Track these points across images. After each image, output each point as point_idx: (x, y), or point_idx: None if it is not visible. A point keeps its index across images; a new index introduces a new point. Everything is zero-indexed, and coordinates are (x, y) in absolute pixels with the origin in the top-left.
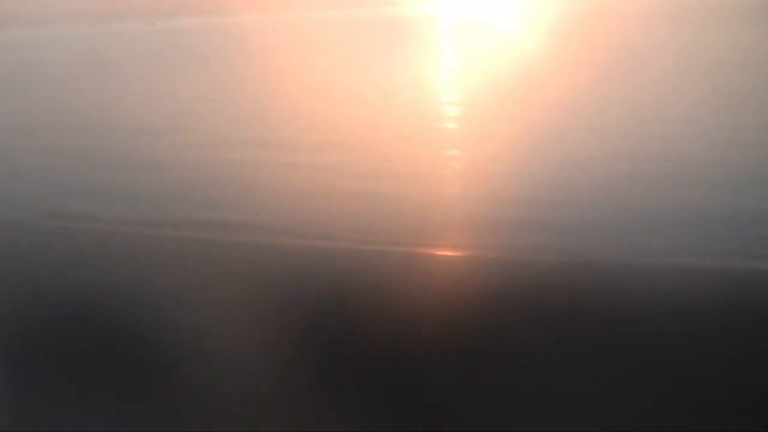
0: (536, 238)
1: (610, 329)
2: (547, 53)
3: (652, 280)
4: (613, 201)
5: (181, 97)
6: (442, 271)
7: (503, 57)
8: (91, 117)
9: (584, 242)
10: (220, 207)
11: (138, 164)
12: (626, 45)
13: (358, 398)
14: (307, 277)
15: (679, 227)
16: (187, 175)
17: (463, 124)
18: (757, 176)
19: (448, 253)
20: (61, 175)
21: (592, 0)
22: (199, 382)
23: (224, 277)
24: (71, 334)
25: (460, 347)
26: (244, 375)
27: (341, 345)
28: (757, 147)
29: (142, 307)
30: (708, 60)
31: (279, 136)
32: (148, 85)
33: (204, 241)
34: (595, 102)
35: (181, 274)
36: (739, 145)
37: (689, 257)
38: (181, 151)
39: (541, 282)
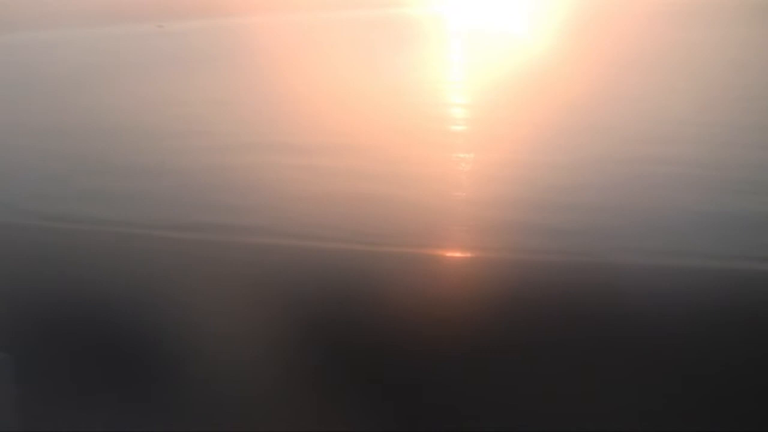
0: (543, 239)
1: (617, 329)
2: (555, 55)
3: (658, 282)
4: (620, 203)
5: (190, 100)
6: (450, 272)
7: (511, 58)
8: (98, 120)
9: (590, 244)
10: (229, 210)
11: (146, 168)
12: (636, 46)
13: (368, 398)
14: (315, 278)
15: (688, 229)
16: (196, 179)
17: (471, 126)
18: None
19: (456, 254)
20: (68, 178)
21: (601, 1)
22: (208, 382)
23: (234, 278)
24: (79, 335)
25: (469, 346)
26: (254, 375)
27: (351, 344)
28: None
29: (153, 309)
30: (720, 61)
31: (288, 139)
32: (156, 88)
33: (213, 243)
34: (604, 103)
35: (190, 277)
36: (751, 148)
37: (697, 259)
38: (190, 154)
39: (548, 283)
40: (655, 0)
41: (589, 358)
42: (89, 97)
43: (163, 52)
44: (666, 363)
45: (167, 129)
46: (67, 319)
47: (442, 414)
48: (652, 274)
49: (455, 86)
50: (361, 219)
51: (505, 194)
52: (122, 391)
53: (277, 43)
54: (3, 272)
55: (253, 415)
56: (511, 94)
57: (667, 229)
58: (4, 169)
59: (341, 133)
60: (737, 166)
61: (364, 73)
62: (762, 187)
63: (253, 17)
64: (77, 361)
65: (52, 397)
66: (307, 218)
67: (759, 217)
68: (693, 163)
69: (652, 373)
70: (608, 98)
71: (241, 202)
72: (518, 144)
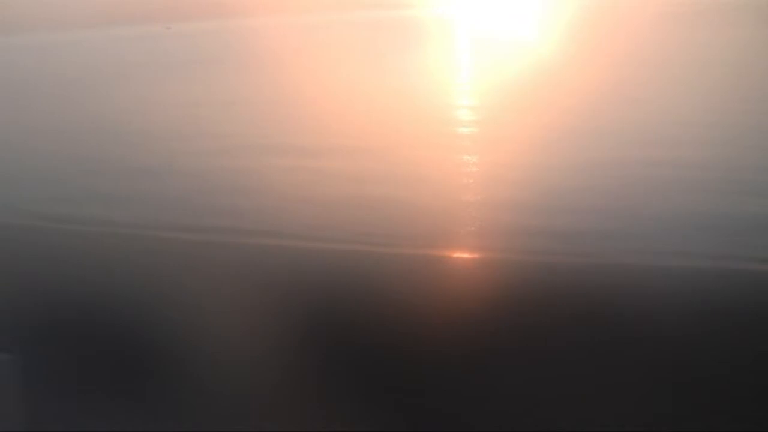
0: (548, 241)
1: (622, 329)
2: (562, 57)
3: (665, 283)
4: (625, 206)
5: (198, 102)
6: (456, 273)
7: (517, 61)
8: (106, 121)
9: (596, 246)
10: (237, 212)
11: (153, 170)
12: (642, 48)
13: (375, 398)
14: (322, 279)
15: (693, 231)
16: (204, 182)
17: (477, 128)
18: None
19: (462, 255)
20: (76, 179)
21: (608, 3)
22: (216, 382)
23: (241, 280)
24: (85, 336)
25: (474, 347)
26: (263, 375)
27: (358, 344)
28: None
29: (159, 310)
30: (726, 62)
31: (296, 141)
32: (164, 90)
33: (220, 245)
34: (609, 106)
35: (197, 278)
36: (755, 149)
37: (702, 260)
38: (197, 157)
39: (554, 284)
40: (661, 2)
41: (595, 358)
42: (97, 99)
43: (172, 53)
44: (671, 362)
45: (175, 131)
46: (72, 321)
47: (448, 415)
48: (658, 275)
49: (461, 88)
50: (368, 221)
51: (511, 197)
52: (126, 391)
53: (285, 44)
54: (11, 273)
55: (261, 415)
56: (517, 97)
57: (672, 231)
58: (12, 170)
59: (348, 135)
60: (741, 167)
61: (371, 75)
62: (766, 188)
63: (262, 18)
64: (82, 361)
65: (57, 398)
66: (314, 220)
67: (764, 219)
68: (697, 166)
69: (656, 373)
70: (614, 100)
71: (248, 205)
72: (524, 146)
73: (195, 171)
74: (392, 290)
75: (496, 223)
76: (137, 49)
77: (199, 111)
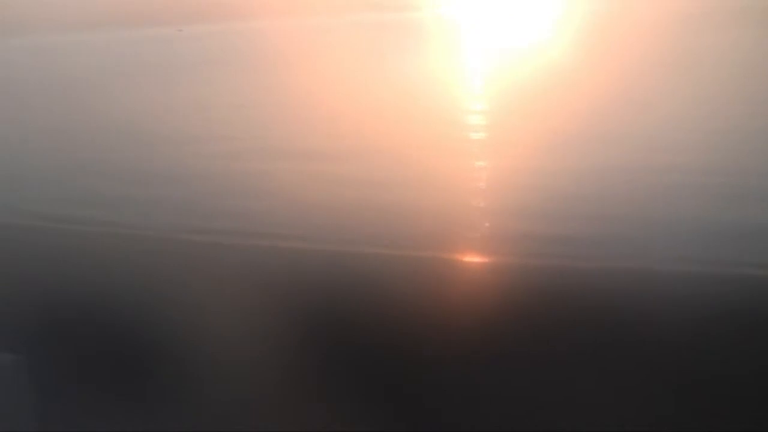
0: (555, 247)
1: (629, 335)
2: (570, 61)
3: (672, 288)
4: (633, 212)
5: (209, 104)
6: (464, 276)
7: (525, 65)
8: (116, 123)
9: (603, 252)
10: (247, 216)
11: (163, 173)
12: (650, 52)
13: (378, 402)
14: (328, 281)
15: (702, 237)
16: (214, 184)
17: (485, 132)
18: None
19: (471, 259)
20: (85, 181)
21: (619, 5)
22: (229, 383)
23: (248, 282)
24: (93, 338)
25: (484, 349)
26: (271, 378)
27: (368, 344)
28: None
29: (165, 312)
30: (742, 67)
31: (305, 144)
32: (175, 92)
33: (231, 247)
34: (618, 110)
35: (203, 280)
36: (762, 153)
37: (709, 266)
38: (207, 159)
39: (559, 288)
40: (670, 6)
41: (601, 362)
42: (107, 100)
43: (182, 55)
44: (679, 367)
45: (184, 133)
46: (80, 322)
47: (456, 420)
48: (666, 280)
49: (470, 92)
50: (377, 224)
51: (518, 202)
52: (132, 393)
53: (295, 46)
54: (23, 274)
55: (270, 418)
56: (525, 101)
57: (680, 237)
58: (21, 172)
59: (357, 138)
60: (747, 173)
61: (380, 77)
62: None
63: (273, 20)
64: (89, 363)
65: (58, 399)
66: (322, 223)
67: None
68: (705, 171)
69: (663, 377)
70: (623, 104)
71: (257, 207)
72: (532, 150)
73: (203, 173)
74: (400, 293)
75: (503, 227)
76: (148, 50)
77: (209, 113)
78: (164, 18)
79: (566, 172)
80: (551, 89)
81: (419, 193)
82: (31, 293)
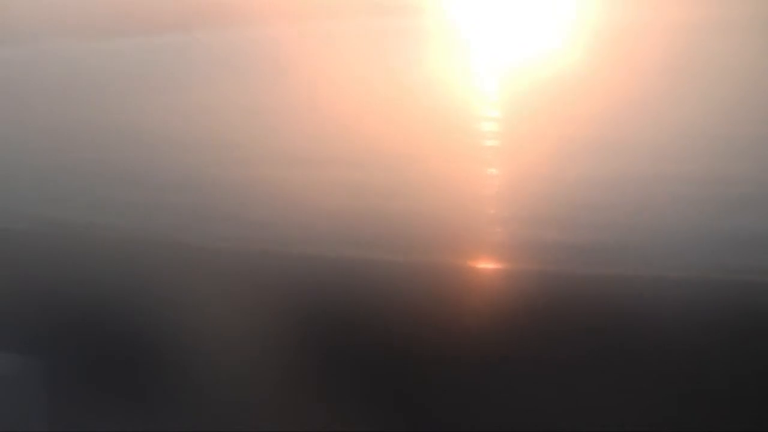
0: (567, 255)
1: (640, 342)
2: (584, 67)
3: (685, 295)
4: (644, 219)
5: (219, 110)
6: (475, 283)
7: (538, 72)
8: (126, 130)
9: (616, 260)
10: (258, 223)
11: (176, 180)
12: (664, 58)
13: (390, 406)
14: (340, 288)
15: (713, 245)
16: (223, 192)
17: (498, 139)
18: None
19: (481, 265)
20: (93, 187)
21: (630, 14)
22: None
23: (258, 288)
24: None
25: (494, 356)
26: (282, 384)
27: (377, 352)
28: None
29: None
30: (755, 75)
31: (317, 152)
32: (186, 99)
33: (239, 253)
34: (632, 117)
35: (215, 286)
36: None
37: (719, 273)
38: (217, 166)
39: (572, 296)
40: (682, 15)
41: (611, 368)
42: (117, 106)
43: (192, 61)
44: (689, 373)
45: (197, 141)
46: (88, 324)
47: (466, 424)
48: (674, 288)
49: (482, 99)
50: (387, 231)
51: (529, 209)
52: (136, 395)
53: (306, 51)
54: (39, 277)
55: (277, 422)
56: (538, 109)
57: (689, 245)
58: (29, 178)
59: (368, 145)
60: (754, 180)
61: (391, 84)
62: None
63: (284, 26)
64: (93, 365)
65: (64, 400)
66: (331, 230)
67: None
68: (714, 180)
69: (671, 382)
70: (633, 112)
71: (267, 215)
72: (543, 158)
73: (212, 181)
74: (411, 298)
75: (514, 234)
76: (157, 57)
77: (219, 119)
78: (175, 23)
79: (577, 181)
80: (563, 97)
81: (431, 200)
82: (37, 295)
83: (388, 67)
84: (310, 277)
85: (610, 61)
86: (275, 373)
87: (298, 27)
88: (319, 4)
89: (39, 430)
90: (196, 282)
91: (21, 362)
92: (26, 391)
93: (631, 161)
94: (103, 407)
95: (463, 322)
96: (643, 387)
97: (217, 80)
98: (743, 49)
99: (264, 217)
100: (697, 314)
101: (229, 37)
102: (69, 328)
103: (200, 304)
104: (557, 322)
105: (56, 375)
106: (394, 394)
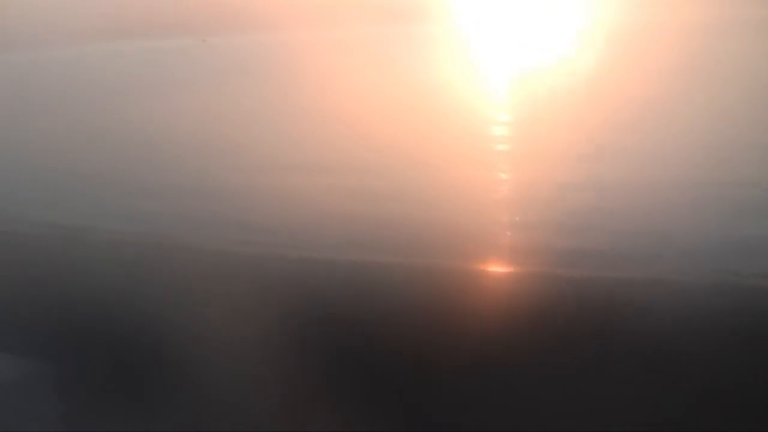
0: (578, 259)
1: (652, 346)
2: (597, 71)
3: (695, 300)
4: (656, 227)
5: (234, 117)
6: (485, 288)
7: (549, 77)
8: (140, 136)
9: (624, 264)
10: (268, 229)
11: (184, 185)
12: (680, 64)
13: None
14: (351, 291)
15: (725, 250)
16: (235, 198)
17: (509, 144)
18: None
19: (492, 269)
20: (102, 194)
21: (643, 17)
22: (243, 392)
23: (268, 292)
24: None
25: (504, 359)
26: (286, 386)
27: (387, 357)
28: None
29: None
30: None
31: (328, 158)
32: (200, 105)
33: (251, 258)
34: (644, 123)
35: (224, 290)
36: None
37: (731, 278)
38: (228, 173)
39: (583, 300)
40: (695, 18)
41: (622, 372)
42: (128, 111)
43: (208, 67)
44: (703, 377)
45: (211, 147)
46: (96, 330)
47: (474, 428)
48: (685, 293)
49: (493, 103)
50: (398, 236)
51: (541, 214)
52: (141, 396)
53: (321, 58)
54: (47, 281)
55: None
56: (549, 113)
57: (700, 250)
58: (34, 183)
59: (381, 151)
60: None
61: (403, 90)
62: None
63: (297, 32)
64: (98, 368)
65: (67, 401)
66: (345, 235)
67: None
68: (725, 184)
69: (684, 386)
70: (645, 117)
71: (278, 220)
72: (555, 163)
73: (221, 185)
74: (420, 303)
75: (525, 239)
76: (172, 62)
77: (230, 125)
78: (189, 28)
79: (589, 186)
80: (574, 101)
81: (441, 204)
82: (40, 298)
83: (399, 72)
84: (323, 280)
85: (621, 65)
86: (287, 378)
87: (308, 32)
88: (329, 10)
89: (39, 430)
90: (201, 286)
91: (23, 365)
92: (27, 394)
93: (644, 166)
94: (104, 407)
95: (473, 326)
96: (653, 392)
97: (225, 85)
98: (757, 51)
99: (276, 223)
100: (707, 319)
101: (239, 43)
102: (72, 332)
103: (206, 308)
104: (568, 326)
105: (62, 379)
106: (406, 400)
